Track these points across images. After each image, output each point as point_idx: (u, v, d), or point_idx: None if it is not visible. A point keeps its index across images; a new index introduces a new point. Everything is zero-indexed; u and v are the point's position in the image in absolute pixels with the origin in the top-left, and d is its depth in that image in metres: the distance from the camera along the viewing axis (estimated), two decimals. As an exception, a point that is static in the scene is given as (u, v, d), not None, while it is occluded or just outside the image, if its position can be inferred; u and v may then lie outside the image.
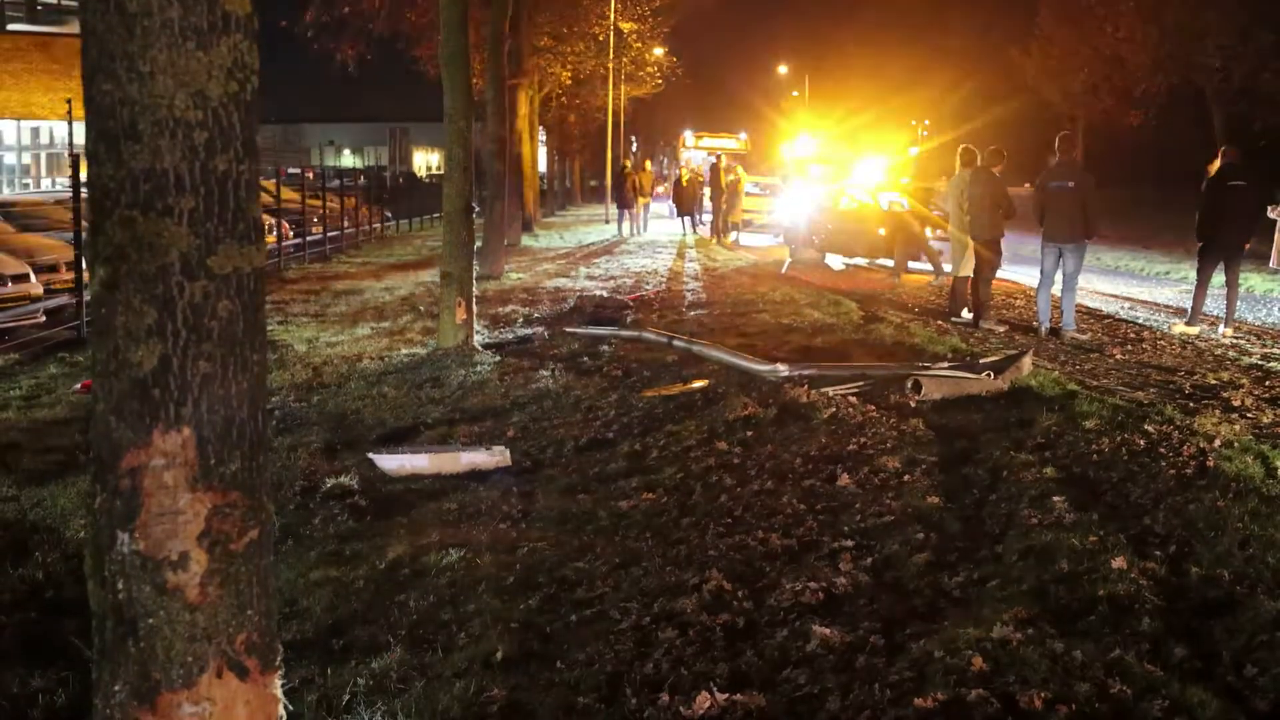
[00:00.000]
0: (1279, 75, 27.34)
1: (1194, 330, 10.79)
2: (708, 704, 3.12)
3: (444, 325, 9.64)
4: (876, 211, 18.15)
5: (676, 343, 9.23)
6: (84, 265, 10.17)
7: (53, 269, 11.69)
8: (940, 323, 11.27)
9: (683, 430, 6.33)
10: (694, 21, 41.69)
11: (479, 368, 8.67)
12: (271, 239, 17.21)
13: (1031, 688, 3.07)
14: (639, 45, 32.98)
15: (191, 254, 2.12)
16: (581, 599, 3.97)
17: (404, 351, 9.70)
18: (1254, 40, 27.48)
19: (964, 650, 3.27)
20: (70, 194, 11.31)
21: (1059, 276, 10.64)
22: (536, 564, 4.33)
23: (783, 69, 69.05)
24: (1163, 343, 10.32)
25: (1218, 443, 5.64)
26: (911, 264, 16.98)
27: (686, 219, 27.69)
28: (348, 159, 69.16)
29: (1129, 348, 9.97)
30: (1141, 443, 5.67)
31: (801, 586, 3.92)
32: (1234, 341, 10.34)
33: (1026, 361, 7.59)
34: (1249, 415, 6.98)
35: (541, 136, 40.13)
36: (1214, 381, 8.20)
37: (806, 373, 7.55)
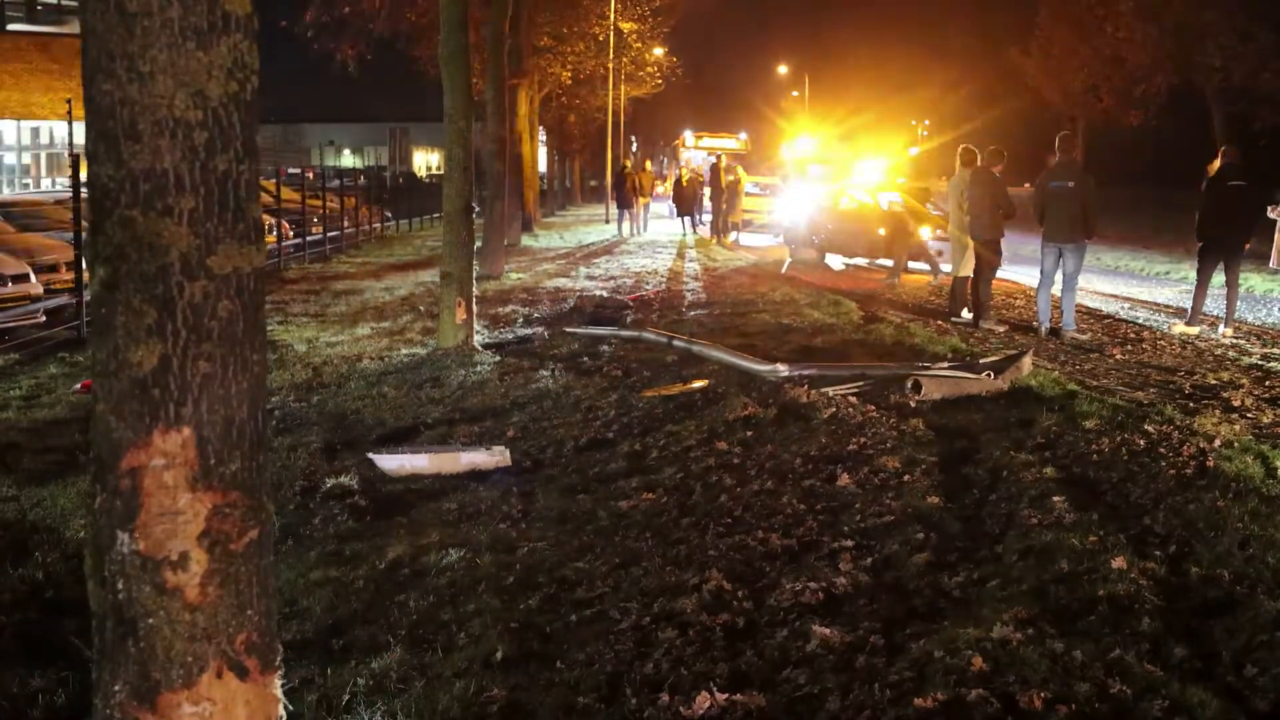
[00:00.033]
0: (1279, 75, 27.35)
1: (1194, 330, 10.79)
2: (708, 704, 3.12)
3: (444, 325, 9.64)
4: (876, 211, 18.15)
5: (676, 343, 9.22)
6: (84, 265, 10.16)
7: (53, 269, 11.69)
8: (940, 323, 11.28)
9: (683, 430, 6.33)
10: (694, 21, 41.84)
11: (479, 368, 8.66)
12: (271, 239, 17.22)
13: (1031, 688, 3.07)
14: (639, 45, 33.02)
15: (191, 254, 2.13)
16: (581, 599, 3.97)
17: (404, 351, 9.70)
18: (1254, 40, 27.48)
19: (964, 650, 3.27)
20: (70, 194, 11.31)
21: (1059, 276, 10.64)
22: (536, 564, 4.33)
23: (783, 69, 69.19)
24: (1163, 343, 10.32)
25: (1218, 443, 5.65)
26: (910, 264, 16.98)
27: (686, 219, 27.68)
28: (348, 159, 69.22)
29: (1129, 348, 9.97)
30: (1141, 443, 5.67)
31: (801, 586, 3.92)
32: (1234, 341, 10.34)
33: (1026, 361, 7.59)
34: (1249, 415, 6.99)
35: (541, 136, 40.16)
36: (1214, 381, 8.21)
37: (806, 373, 7.55)
